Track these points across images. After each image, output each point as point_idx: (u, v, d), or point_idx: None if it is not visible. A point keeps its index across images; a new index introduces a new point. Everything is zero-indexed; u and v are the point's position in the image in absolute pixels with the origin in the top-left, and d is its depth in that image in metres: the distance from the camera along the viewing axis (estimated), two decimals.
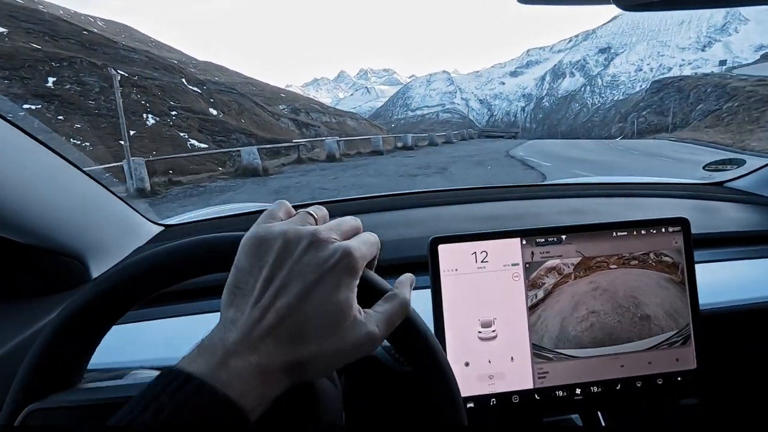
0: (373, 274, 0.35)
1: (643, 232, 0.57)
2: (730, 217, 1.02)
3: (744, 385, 0.75)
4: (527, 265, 0.55)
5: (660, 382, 0.56)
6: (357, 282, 0.31)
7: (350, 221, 0.34)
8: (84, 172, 0.67)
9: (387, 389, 0.57)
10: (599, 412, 0.60)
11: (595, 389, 0.55)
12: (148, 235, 0.86)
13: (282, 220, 0.34)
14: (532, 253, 0.55)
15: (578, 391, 0.55)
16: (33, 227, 0.58)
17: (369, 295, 0.33)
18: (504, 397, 0.54)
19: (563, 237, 0.56)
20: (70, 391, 0.35)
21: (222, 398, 0.25)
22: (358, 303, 0.31)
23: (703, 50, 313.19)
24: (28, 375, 0.34)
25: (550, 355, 0.55)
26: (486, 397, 0.54)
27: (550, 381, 0.55)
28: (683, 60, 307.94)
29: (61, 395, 0.34)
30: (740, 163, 1.19)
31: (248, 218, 1.01)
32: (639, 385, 0.56)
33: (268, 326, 0.28)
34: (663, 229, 0.58)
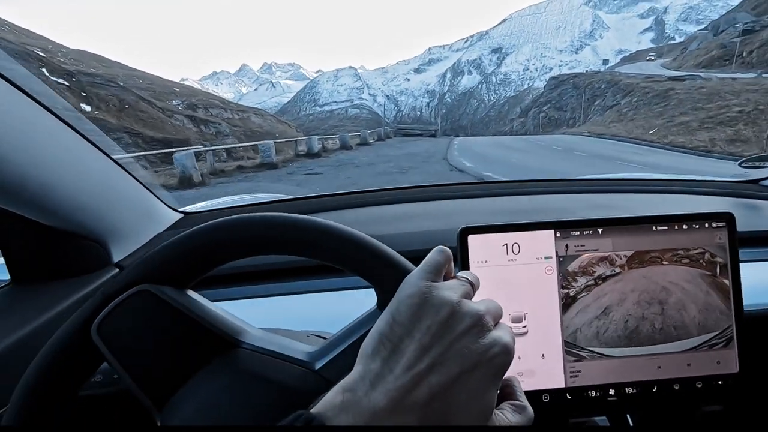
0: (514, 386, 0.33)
1: (684, 227, 0.54)
2: None
3: None
4: (561, 259, 0.52)
5: (699, 386, 0.53)
6: (500, 384, 0.29)
7: (497, 305, 0.32)
8: (107, 155, 0.66)
9: None
10: (628, 416, 0.57)
11: (630, 390, 0.52)
12: (168, 221, 0.85)
13: (444, 279, 0.32)
14: (566, 246, 0.52)
15: (612, 392, 0.52)
16: (56, 208, 0.58)
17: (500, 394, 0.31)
18: (534, 395, 0.51)
19: (599, 230, 0.52)
20: None
21: None
22: None
23: (576, 53, 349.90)
24: (31, 384, 0.34)
25: (584, 354, 0.52)
26: None
27: (583, 380, 0.52)
28: (561, 61, 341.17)
29: None
30: None
31: (269, 207, 1.00)
32: (677, 387, 0.52)
33: (418, 401, 0.26)
34: (706, 225, 0.54)
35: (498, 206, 1.00)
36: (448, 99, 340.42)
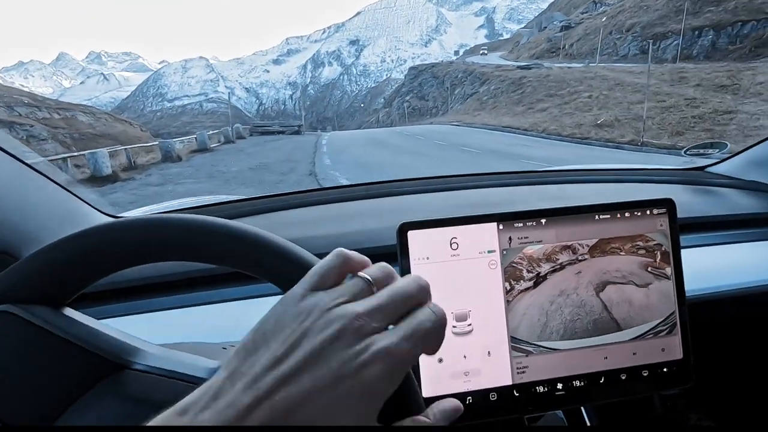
0: (414, 386, 0.27)
1: (626, 215, 0.53)
2: (714, 201, 1.00)
3: (733, 373, 0.73)
4: (504, 252, 0.50)
5: (645, 374, 0.52)
6: (386, 397, 0.23)
7: (410, 288, 0.26)
8: (18, 159, 0.61)
9: None
10: (582, 408, 0.57)
11: (577, 383, 0.51)
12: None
13: (334, 284, 0.26)
14: (510, 238, 0.51)
15: (560, 385, 0.51)
16: None
17: (399, 409, 0.26)
18: (481, 394, 0.50)
19: (543, 221, 0.51)
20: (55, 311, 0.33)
21: None
22: (382, 417, 0.24)
23: (426, 46, 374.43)
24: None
25: (530, 348, 0.50)
26: (461, 396, 0.49)
27: (530, 376, 0.51)
28: (414, 54, 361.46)
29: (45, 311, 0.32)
30: (722, 146, 1.19)
31: (208, 211, 0.94)
32: (623, 377, 0.52)
33: (255, 423, 0.21)
34: (647, 212, 0.54)
35: (440, 202, 0.97)
36: (312, 91, 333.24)
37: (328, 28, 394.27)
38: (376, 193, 1.00)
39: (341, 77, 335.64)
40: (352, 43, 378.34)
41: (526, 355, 0.51)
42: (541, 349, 0.51)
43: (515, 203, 0.93)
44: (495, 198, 0.98)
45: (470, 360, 0.50)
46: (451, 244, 0.50)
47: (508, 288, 0.50)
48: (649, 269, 0.53)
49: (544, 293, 0.51)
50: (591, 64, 43.90)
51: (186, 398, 0.23)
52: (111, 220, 0.29)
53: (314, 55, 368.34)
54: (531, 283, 0.51)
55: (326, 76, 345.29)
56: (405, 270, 0.49)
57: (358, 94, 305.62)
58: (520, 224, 0.51)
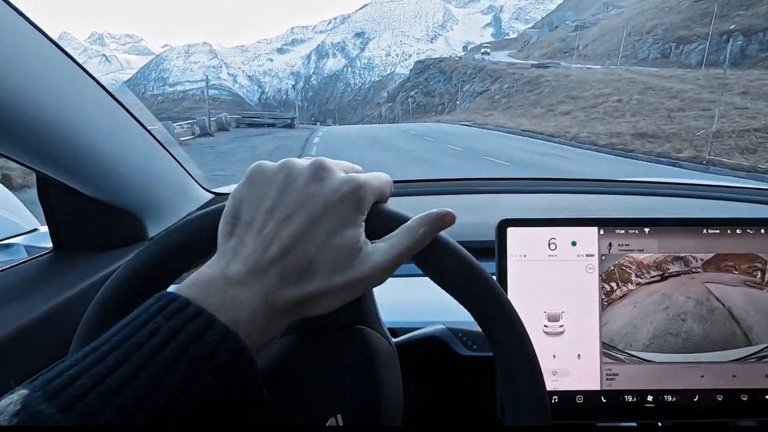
0: (386, 207, 0.31)
1: (738, 231, 0.50)
2: None
3: None
4: (603, 257, 0.49)
5: (744, 399, 0.50)
6: (364, 217, 0.29)
7: (350, 164, 0.31)
8: (147, 130, 0.66)
9: (447, 375, 0.54)
10: (659, 423, 0.55)
11: (669, 398, 0.49)
12: (200, 201, 0.83)
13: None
14: (610, 244, 0.49)
15: (650, 398, 0.49)
16: (100, 181, 0.58)
17: (381, 227, 0.29)
18: (567, 395, 0.49)
19: (646, 230, 0.50)
20: None
21: (222, 328, 0.22)
22: (369, 237, 0.29)
23: (431, 42, 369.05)
24: (90, 328, 0.33)
25: (622, 357, 0.49)
26: (548, 394, 0.49)
27: (620, 384, 0.49)
28: (419, 49, 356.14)
29: None
30: None
31: None
32: (720, 399, 0.49)
33: (272, 257, 0.26)
34: (762, 230, 0.50)
35: (537, 203, 0.98)
36: (314, 82, 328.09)
37: (334, 19, 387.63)
38: (474, 189, 1.00)
39: (345, 69, 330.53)
40: (358, 35, 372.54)
41: (618, 363, 0.49)
42: (634, 358, 0.49)
43: (613, 211, 0.87)
44: (593, 204, 0.97)
45: (559, 360, 0.49)
46: (549, 244, 0.49)
47: (604, 293, 0.49)
48: (760, 290, 0.50)
49: (641, 302, 0.49)
50: (612, 66, 40.67)
51: (204, 267, 0.26)
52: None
53: (319, 45, 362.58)
54: (629, 291, 0.49)
55: (330, 67, 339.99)
56: (502, 265, 0.49)
57: (361, 88, 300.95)
58: (622, 231, 0.50)
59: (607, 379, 0.49)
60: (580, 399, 0.49)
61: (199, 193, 0.84)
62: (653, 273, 0.49)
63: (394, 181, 0.30)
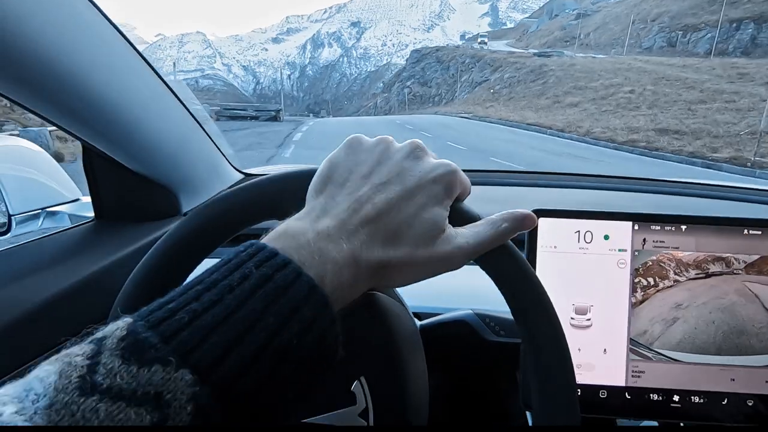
0: (465, 204, 0.31)
1: None
2: None
3: None
4: (636, 253, 0.48)
5: None
6: (451, 202, 0.29)
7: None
8: (187, 109, 0.68)
9: (473, 359, 0.55)
10: (681, 424, 0.54)
11: (696, 399, 0.48)
12: (231, 180, 0.85)
13: None
14: (644, 240, 0.48)
15: (676, 398, 0.48)
16: (141, 155, 0.60)
17: (461, 220, 0.30)
18: (591, 389, 0.49)
19: (683, 227, 0.48)
20: None
21: (308, 281, 0.22)
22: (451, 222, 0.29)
23: (428, 31, 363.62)
24: (125, 303, 0.34)
25: (649, 355, 0.48)
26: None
27: (646, 382, 0.48)
28: (416, 39, 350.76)
29: None
30: None
31: None
32: (750, 404, 0.48)
33: (364, 217, 0.26)
34: None
35: (571, 198, 0.98)
36: (310, 72, 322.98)
37: (330, 8, 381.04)
38: (505, 182, 1.00)
39: (341, 59, 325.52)
40: (353, 24, 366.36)
41: (645, 361, 0.48)
42: (662, 357, 0.48)
43: (647, 209, 0.88)
44: (626, 202, 0.95)
45: (584, 354, 0.49)
46: (580, 237, 0.48)
47: (635, 289, 0.48)
48: None
49: (674, 301, 0.48)
50: (618, 55, 38.60)
51: (294, 216, 0.27)
52: (275, 172, 0.34)
53: (314, 35, 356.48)
54: (661, 289, 0.48)
55: (326, 57, 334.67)
56: (531, 255, 0.48)
57: (357, 78, 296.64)
58: (657, 227, 0.48)
59: (632, 376, 0.48)
60: (603, 394, 0.49)
61: (231, 173, 0.85)
62: (693, 272, 0.48)
63: None
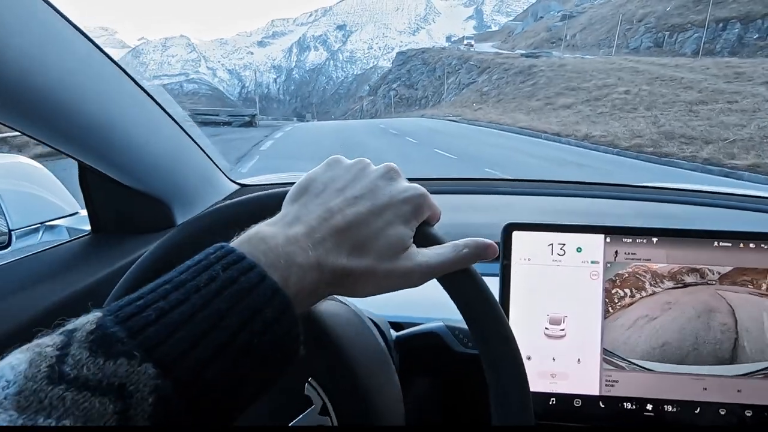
0: (432, 227, 0.33)
1: (751, 245, 0.49)
2: None
3: None
4: (608, 265, 0.49)
5: (749, 414, 0.48)
6: (417, 224, 0.31)
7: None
8: (176, 121, 0.69)
9: (444, 369, 0.56)
10: None
11: (669, 408, 0.49)
12: (226, 191, 0.86)
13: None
14: (616, 252, 0.49)
15: (649, 406, 0.49)
16: (133, 170, 0.61)
17: (425, 241, 0.32)
18: (565, 398, 0.50)
19: (654, 240, 0.49)
20: None
21: (272, 284, 0.23)
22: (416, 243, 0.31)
23: (414, 34, 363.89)
24: (126, 288, 0.34)
25: (622, 364, 0.49)
26: (546, 396, 0.50)
27: (619, 391, 0.49)
28: (402, 42, 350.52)
29: None
30: None
31: None
32: (722, 413, 0.48)
33: (333, 226, 0.27)
34: None
35: (544, 205, 0.97)
36: (296, 75, 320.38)
37: (315, 11, 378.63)
38: (483, 190, 1.01)
39: (327, 62, 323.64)
40: (339, 28, 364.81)
41: (618, 370, 0.49)
42: (635, 366, 0.49)
43: (620, 217, 0.90)
44: (599, 208, 0.95)
45: (559, 363, 0.49)
46: (553, 250, 0.49)
47: (608, 300, 0.49)
48: None
49: (645, 312, 0.49)
50: (608, 56, 37.81)
51: (267, 221, 0.28)
52: (280, 189, 0.35)
53: (300, 38, 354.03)
54: (633, 300, 0.49)
55: (312, 60, 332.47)
56: (506, 268, 0.49)
57: (344, 81, 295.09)
58: (629, 239, 0.49)
59: (606, 385, 0.49)
60: (578, 403, 0.49)
61: (225, 183, 0.86)
62: (668, 283, 0.48)
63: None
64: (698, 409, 0.48)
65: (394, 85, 74.25)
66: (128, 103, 0.58)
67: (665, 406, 0.48)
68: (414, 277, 0.29)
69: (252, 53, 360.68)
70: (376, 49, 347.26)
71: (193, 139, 0.73)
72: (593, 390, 0.49)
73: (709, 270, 0.48)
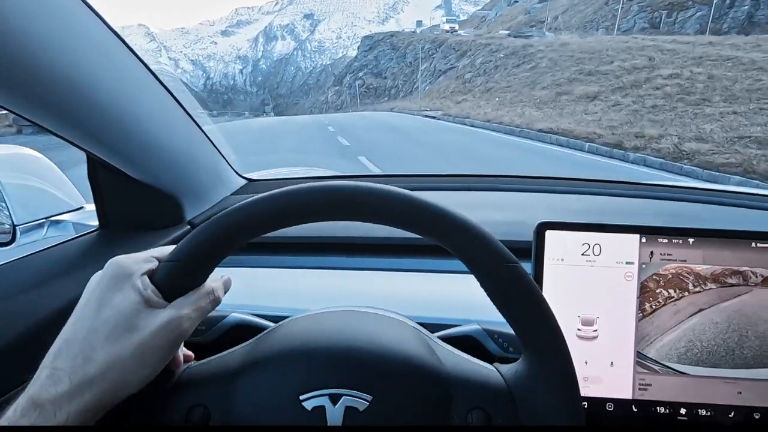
0: (172, 266, 0.33)
1: None
2: None
3: None
4: (643, 266, 0.47)
5: None
6: (135, 283, 0.30)
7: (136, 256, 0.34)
8: (189, 114, 0.67)
9: None
10: None
11: (703, 412, 0.47)
12: (234, 186, 0.85)
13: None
14: (651, 253, 0.47)
15: (683, 411, 0.48)
16: (144, 163, 0.60)
17: (176, 289, 0.32)
18: (598, 402, 0.48)
19: (690, 240, 0.47)
20: None
21: None
22: (171, 297, 0.31)
23: (383, 23, 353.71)
24: None
25: (656, 368, 0.48)
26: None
27: (653, 395, 0.48)
28: (371, 31, 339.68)
29: None
30: None
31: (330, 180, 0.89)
32: (757, 417, 0.47)
33: (78, 405, 0.27)
34: None
35: (577, 204, 0.93)
36: (263, 65, 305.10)
37: None
38: (514, 188, 0.99)
39: (295, 52, 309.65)
40: (307, 17, 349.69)
41: (651, 373, 0.48)
42: (669, 370, 0.48)
43: (656, 216, 0.87)
44: (634, 208, 0.91)
45: (591, 366, 0.48)
46: (587, 250, 0.48)
47: (642, 302, 0.48)
48: None
49: (680, 314, 0.47)
50: (609, 35, 31.87)
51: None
52: (299, 186, 0.34)
53: (266, 27, 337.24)
54: (668, 302, 0.47)
55: (279, 50, 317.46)
56: (538, 268, 0.48)
57: (312, 71, 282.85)
58: (665, 240, 0.48)
59: (639, 389, 0.48)
60: (610, 407, 0.48)
61: (234, 178, 0.85)
62: (710, 285, 0.47)
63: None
64: (732, 413, 0.47)
65: (361, 74, 66.48)
66: (141, 93, 0.56)
67: (699, 410, 0.47)
68: (172, 332, 0.30)
69: (216, 43, 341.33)
70: (345, 38, 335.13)
71: (204, 133, 0.71)
72: (626, 394, 0.48)
73: (752, 272, 0.46)
